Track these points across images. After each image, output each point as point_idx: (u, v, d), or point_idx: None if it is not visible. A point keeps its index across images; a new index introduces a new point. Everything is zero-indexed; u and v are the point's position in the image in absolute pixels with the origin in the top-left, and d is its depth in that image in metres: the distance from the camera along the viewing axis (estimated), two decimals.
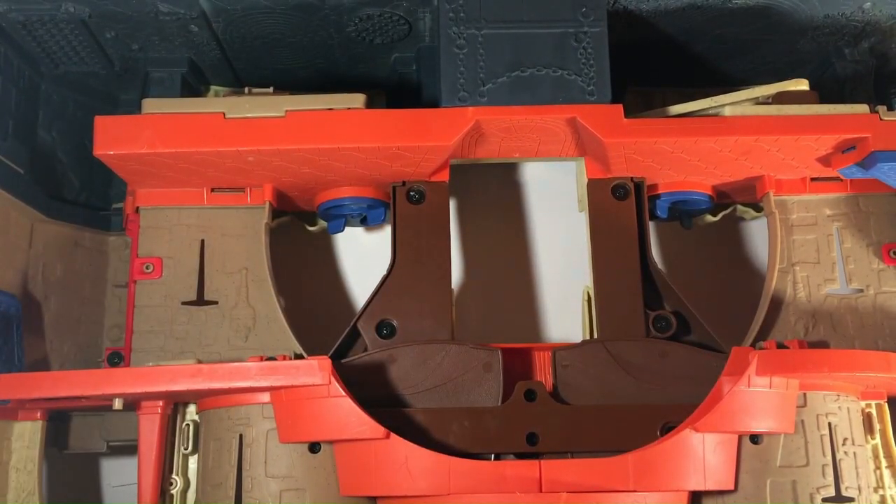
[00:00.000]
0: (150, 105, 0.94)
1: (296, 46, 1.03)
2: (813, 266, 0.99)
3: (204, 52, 1.04)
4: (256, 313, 0.97)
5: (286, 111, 0.91)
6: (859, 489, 0.86)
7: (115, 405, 0.87)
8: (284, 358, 0.88)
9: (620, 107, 0.91)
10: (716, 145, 0.93)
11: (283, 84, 1.06)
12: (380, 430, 0.83)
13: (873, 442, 0.93)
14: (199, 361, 0.87)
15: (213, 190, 1.00)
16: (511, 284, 1.14)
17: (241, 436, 0.88)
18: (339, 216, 1.04)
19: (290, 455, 0.87)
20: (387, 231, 1.08)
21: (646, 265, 0.96)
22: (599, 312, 0.94)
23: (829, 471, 0.86)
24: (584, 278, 0.98)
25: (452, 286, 0.95)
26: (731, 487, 0.85)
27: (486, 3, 0.94)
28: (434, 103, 0.95)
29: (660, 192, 1.02)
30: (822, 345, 0.96)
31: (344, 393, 0.84)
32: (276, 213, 1.02)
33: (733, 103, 0.95)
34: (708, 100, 0.96)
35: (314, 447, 0.87)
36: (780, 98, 0.96)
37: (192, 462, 0.94)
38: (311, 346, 0.95)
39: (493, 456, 0.87)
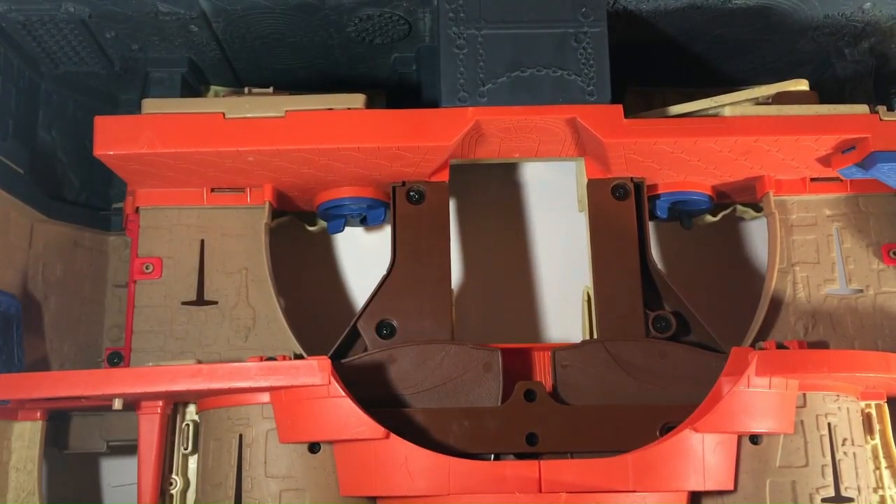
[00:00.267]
0: (150, 105, 0.94)
1: (296, 46, 1.03)
2: (813, 266, 0.99)
3: (204, 52, 1.04)
4: (256, 313, 0.97)
5: (286, 111, 0.91)
6: (859, 489, 0.86)
7: (114, 405, 0.87)
8: (284, 358, 0.88)
9: (620, 107, 0.91)
10: (716, 145, 0.93)
11: (283, 84, 1.06)
12: (379, 430, 0.83)
13: (873, 442, 0.93)
14: (199, 361, 0.87)
15: (212, 190, 1.00)
16: (511, 284, 1.14)
17: (240, 436, 0.88)
18: (338, 216, 1.04)
19: (290, 455, 0.87)
20: (387, 231, 1.08)
21: (645, 265, 0.96)
22: (599, 312, 0.94)
23: (829, 471, 0.86)
24: (583, 278, 0.98)
25: (452, 286, 0.95)
26: (731, 488, 0.85)
27: (486, 3, 0.94)
28: (434, 103, 0.95)
29: (660, 192, 1.02)
30: (821, 345, 0.96)
31: (344, 393, 0.84)
32: (276, 213, 1.02)
33: (733, 103, 0.95)
34: (708, 100, 0.96)
35: (314, 447, 0.87)
36: (780, 98, 0.96)
37: (192, 462, 0.94)
38: (311, 346, 0.95)
39: (492, 456, 0.87)
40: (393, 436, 0.84)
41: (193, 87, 1.08)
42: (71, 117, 1.08)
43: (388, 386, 0.90)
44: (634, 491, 0.83)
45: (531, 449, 0.87)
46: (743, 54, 1.09)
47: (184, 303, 0.97)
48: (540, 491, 0.82)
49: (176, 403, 0.94)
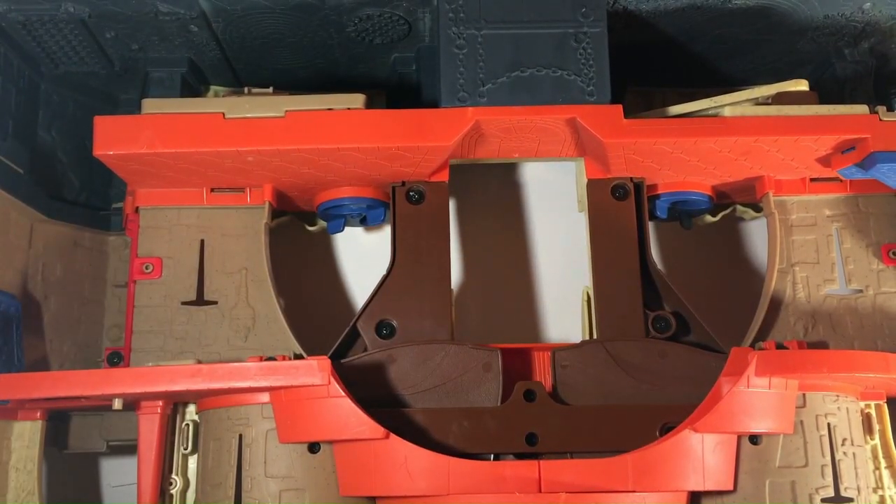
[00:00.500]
0: (150, 105, 0.94)
1: (296, 46, 1.03)
2: (812, 266, 0.99)
3: (204, 52, 1.04)
4: (256, 313, 0.97)
5: (286, 111, 0.91)
6: (858, 490, 0.86)
7: (114, 405, 0.87)
8: (284, 358, 0.88)
9: (620, 107, 0.91)
10: (715, 146, 0.93)
11: (283, 84, 1.06)
12: (379, 430, 0.83)
13: (872, 442, 0.93)
14: (199, 361, 0.87)
15: (212, 190, 1.00)
16: (511, 284, 1.14)
17: (240, 436, 0.88)
18: (338, 216, 1.04)
19: (290, 455, 0.87)
20: (386, 231, 1.08)
21: (645, 265, 0.96)
22: (599, 313, 0.94)
23: (829, 471, 0.86)
24: (583, 278, 0.98)
25: (452, 286, 0.95)
26: (731, 488, 0.85)
27: (486, 3, 0.94)
28: (434, 103, 0.95)
29: (659, 192, 1.02)
30: (821, 345, 0.96)
31: (343, 393, 0.84)
32: (275, 213, 1.02)
33: (733, 104, 0.95)
34: (708, 100, 0.96)
35: (314, 447, 0.87)
36: (780, 98, 0.96)
37: (192, 462, 0.94)
38: (311, 346, 0.95)
39: (492, 456, 0.87)
40: (393, 436, 0.84)
41: (193, 87, 1.08)
42: (71, 117, 1.08)
43: (388, 386, 0.90)
44: (634, 491, 0.83)
45: (531, 449, 0.87)
46: (743, 54, 1.09)
47: (184, 303, 0.97)
48: (539, 491, 0.82)
49: (176, 403, 0.94)
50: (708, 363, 0.90)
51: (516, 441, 0.87)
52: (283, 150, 0.91)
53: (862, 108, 0.92)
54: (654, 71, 1.12)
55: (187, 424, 0.94)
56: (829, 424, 0.87)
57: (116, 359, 1.02)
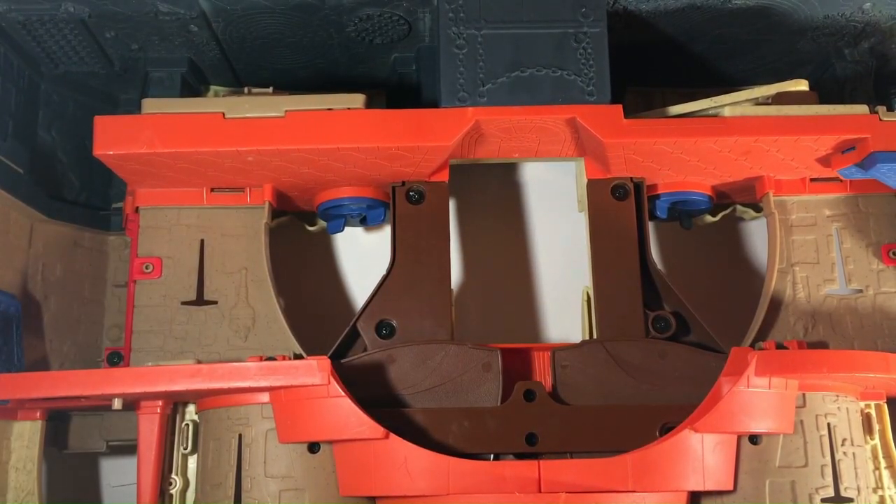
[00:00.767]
0: (150, 105, 0.94)
1: (296, 46, 1.03)
2: (812, 266, 0.99)
3: (204, 52, 1.04)
4: (256, 313, 0.98)
5: (286, 111, 0.91)
6: (858, 490, 0.86)
7: (114, 405, 0.87)
8: (284, 358, 0.88)
9: (620, 107, 0.91)
10: (715, 146, 0.93)
11: (283, 84, 1.06)
12: (379, 430, 0.83)
13: (872, 442, 0.93)
14: (199, 361, 0.87)
15: (212, 190, 1.00)
16: (511, 284, 1.14)
17: (240, 436, 0.88)
18: (338, 216, 1.04)
19: (290, 455, 0.87)
20: (386, 231, 1.08)
21: (645, 265, 0.96)
22: (599, 313, 0.94)
23: (829, 471, 0.86)
24: (583, 278, 0.98)
25: (452, 286, 0.95)
26: (730, 488, 0.85)
27: (486, 3, 0.94)
28: (434, 103, 0.95)
29: (659, 192, 1.02)
30: (821, 345, 0.96)
31: (343, 393, 0.84)
32: (275, 213, 1.02)
33: (733, 104, 0.95)
34: (708, 100, 0.96)
35: (313, 447, 0.87)
36: (780, 98, 0.96)
37: (192, 462, 0.94)
38: (311, 346, 0.95)
39: (492, 456, 0.87)
40: (392, 436, 0.84)
41: (193, 87, 1.08)
42: (71, 117, 1.08)
43: (388, 386, 0.90)
44: (634, 491, 0.83)
45: (531, 449, 0.87)
46: (743, 54, 1.09)
47: (183, 303, 0.97)
48: (539, 491, 0.82)
49: (176, 403, 0.94)
50: (708, 363, 0.90)
51: (516, 441, 0.87)
52: (283, 150, 0.91)
53: (862, 108, 0.92)
54: (654, 71, 1.12)
55: (187, 424, 0.94)
56: (829, 424, 0.87)
57: (116, 359, 1.02)
